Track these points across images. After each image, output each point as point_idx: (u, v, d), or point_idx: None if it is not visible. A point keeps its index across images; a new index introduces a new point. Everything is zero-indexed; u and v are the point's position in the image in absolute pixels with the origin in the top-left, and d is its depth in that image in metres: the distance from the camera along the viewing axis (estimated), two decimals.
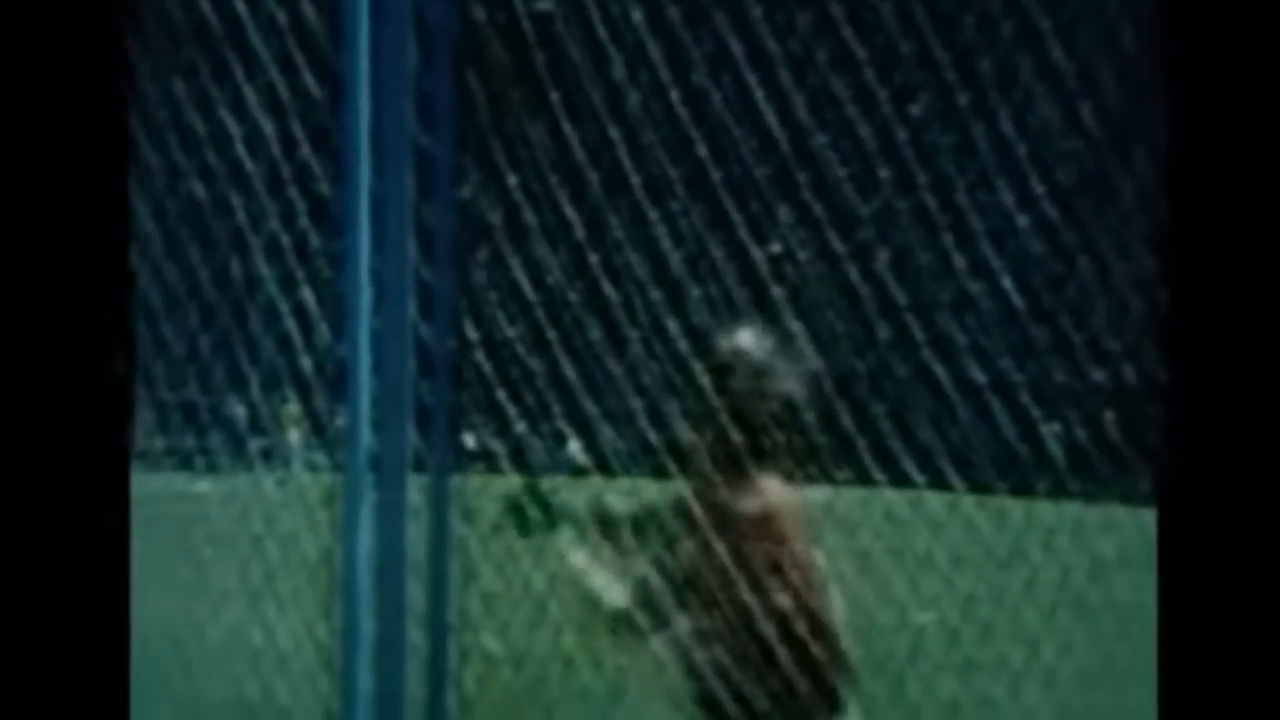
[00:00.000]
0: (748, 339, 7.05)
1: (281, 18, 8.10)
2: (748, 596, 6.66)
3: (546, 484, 10.27)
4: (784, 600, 6.72)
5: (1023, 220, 16.06)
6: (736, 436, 6.82)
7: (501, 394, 8.02)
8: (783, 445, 6.95)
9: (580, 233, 10.38)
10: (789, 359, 7.05)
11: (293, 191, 8.51)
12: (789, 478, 6.99)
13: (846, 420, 9.45)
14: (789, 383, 7.02)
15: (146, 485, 18.93)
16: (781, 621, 6.69)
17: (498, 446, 9.63)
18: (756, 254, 14.22)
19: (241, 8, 8.56)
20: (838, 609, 6.85)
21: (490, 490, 7.04)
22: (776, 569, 6.75)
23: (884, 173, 14.95)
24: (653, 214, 11.85)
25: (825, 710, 6.79)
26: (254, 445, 17.84)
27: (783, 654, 6.63)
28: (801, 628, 6.70)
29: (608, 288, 11.37)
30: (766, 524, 6.84)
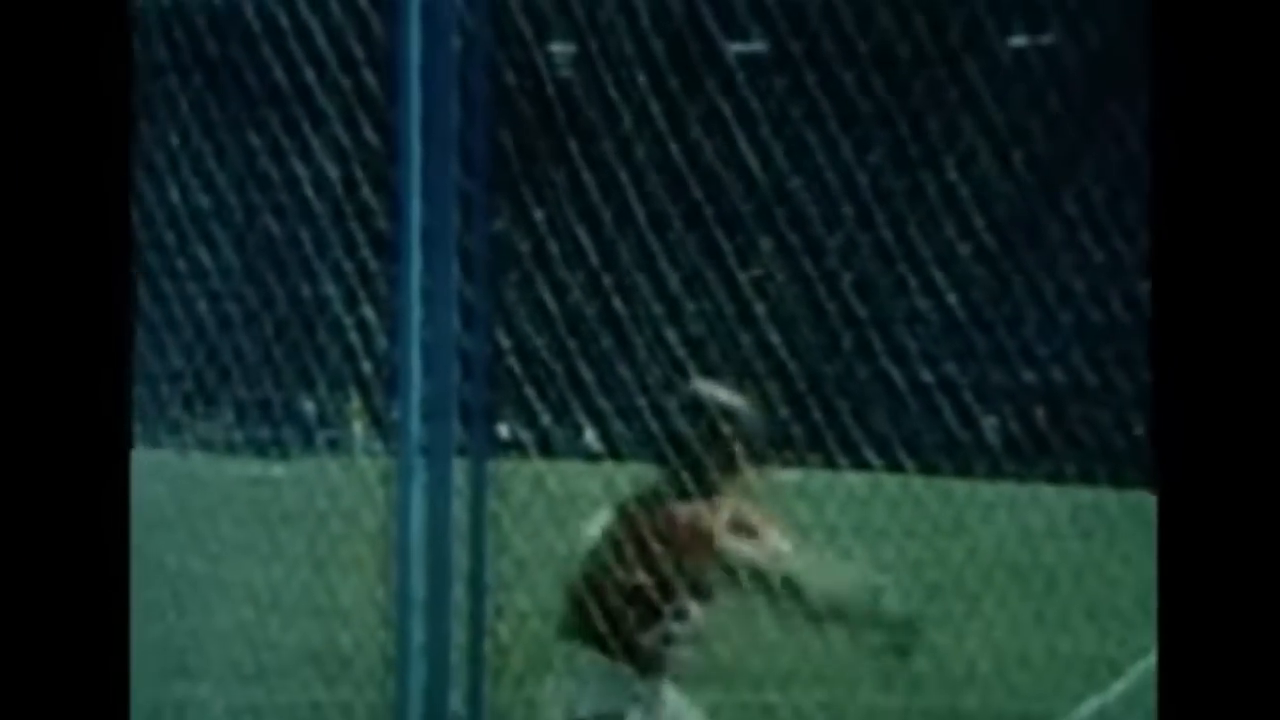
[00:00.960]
0: (709, 388, 7.04)
1: (345, 82, 8.13)
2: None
3: (565, 468, 10.29)
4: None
5: (964, 248, 16.11)
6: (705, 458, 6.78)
7: (530, 393, 8.04)
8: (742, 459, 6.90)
9: (595, 258, 10.38)
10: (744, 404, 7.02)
11: (355, 225, 8.54)
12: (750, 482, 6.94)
13: (816, 414, 9.46)
14: (744, 419, 6.97)
15: (230, 470, 18.93)
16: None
17: (527, 437, 9.66)
18: (742, 276, 14.28)
19: (310, 74, 8.58)
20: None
21: (520, 473, 7.04)
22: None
23: (848, 210, 14.97)
24: (655, 243, 11.88)
25: None
26: (322, 436, 17.85)
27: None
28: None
29: (618, 304, 11.40)
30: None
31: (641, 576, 6.63)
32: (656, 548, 6.62)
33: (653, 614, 6.68)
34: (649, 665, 6.77)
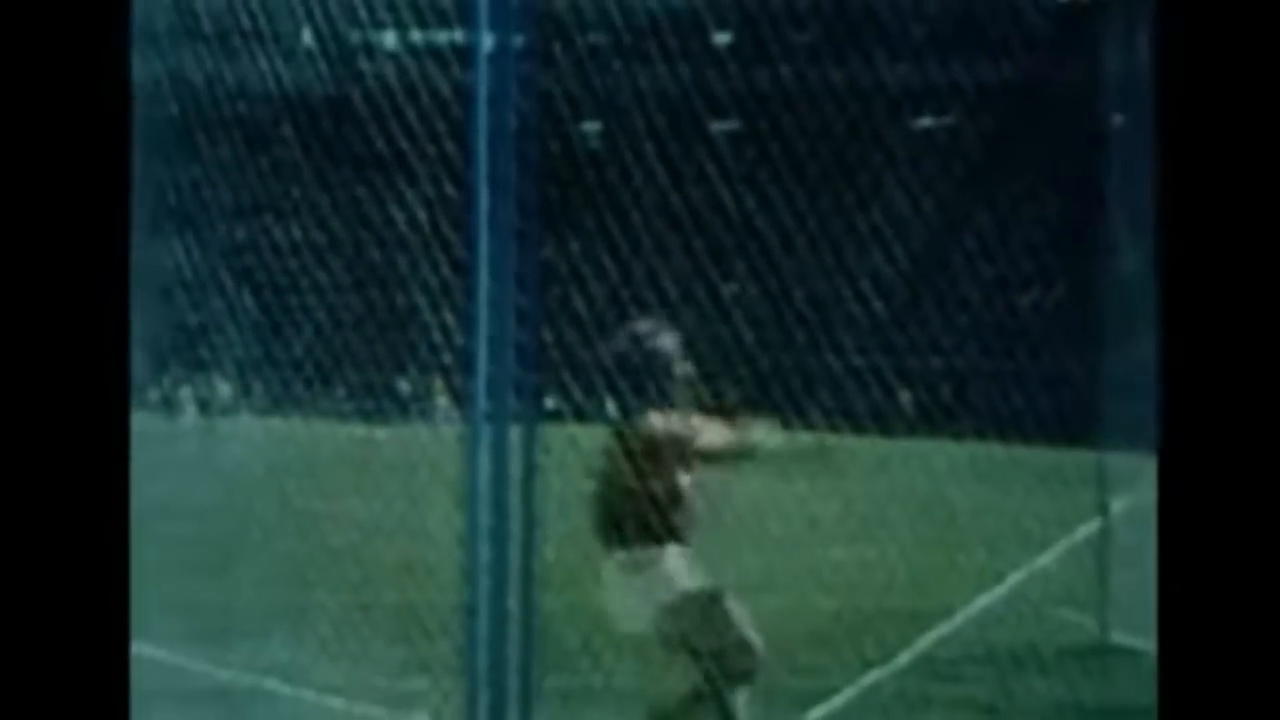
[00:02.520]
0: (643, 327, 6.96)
1: (430, 150, 8.16)
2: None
3: (592, 430, 10.32)
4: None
5: (887, 270, 16.17)
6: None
7: (566, 375, 8.08)
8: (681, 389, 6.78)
9: (614, 276, 10.42)
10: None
11: (439, 253, 8.58)
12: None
13: (776, 390, 9.50)
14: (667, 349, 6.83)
15: (344, 433, 18.85)
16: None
17: (564, 407, 9.70)
18: (723, 290, 14.34)
19: (405, 144, 8.60)
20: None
21: (559, 434, 7.07)
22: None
23: (801, 241, 15.03)
24: (659, 265, 11.93)
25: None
26: (414, 407, 17.84)
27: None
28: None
29: (632, 310, 11.45)
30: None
31: (641, 477, 6.51)
32: (657, 451, 6.53)
33: (656, 500, 6.51)
34: (658, 537, 6.57)
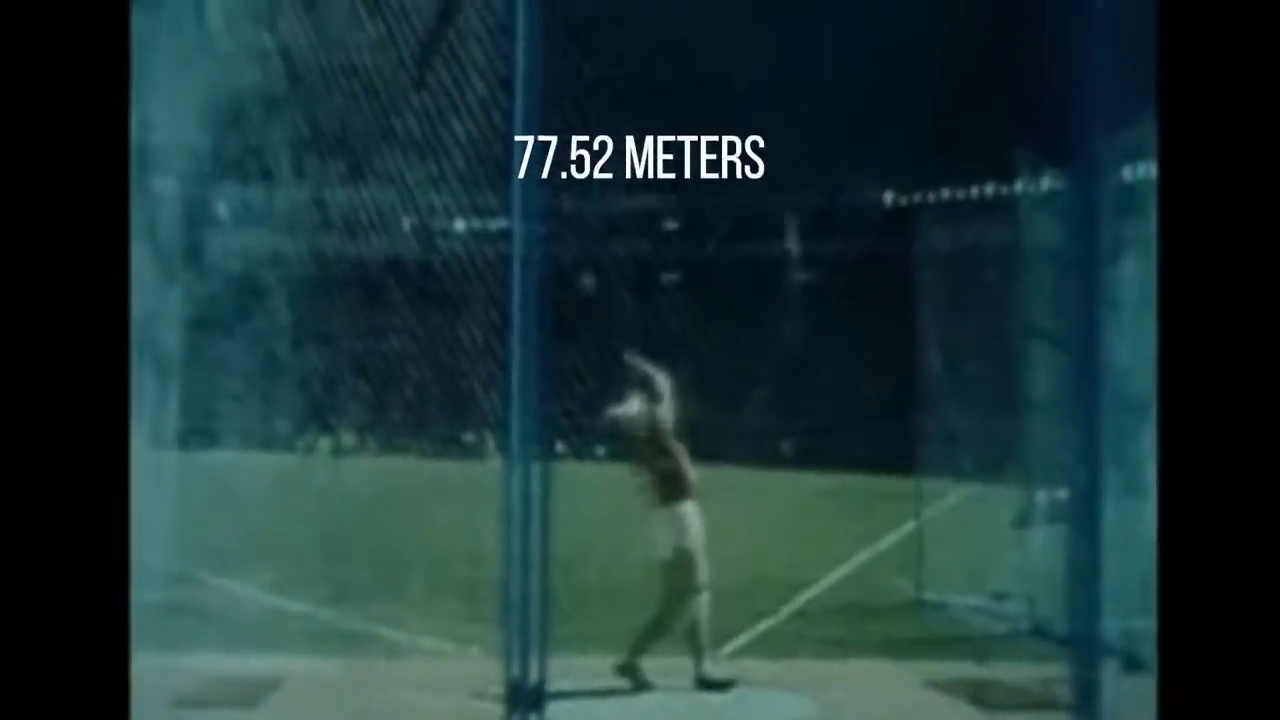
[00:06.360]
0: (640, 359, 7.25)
1: (483, 293, 8.14)
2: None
3: (588, 466, 10.22)
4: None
5: (776, 366, 16.26)
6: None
7: (569, 429, 8.03)
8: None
9: (600, 370, 10.39)
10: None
11: (489, 356, 8.54)
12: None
13: (703, 441, 9.42)
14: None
15: (426, 467, 18.57)
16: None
17: (567, 450, 9.64)
18: (669, 378, 14.29)
19: (467, 289, 8.61)
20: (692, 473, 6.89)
21: (566, 468, 6.98)
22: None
23: (720, 348, 14.97)
24: (631, 353, 11.90)
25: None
26: (473, 451, 17.76)
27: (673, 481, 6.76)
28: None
29: (612, 387, 11.41)
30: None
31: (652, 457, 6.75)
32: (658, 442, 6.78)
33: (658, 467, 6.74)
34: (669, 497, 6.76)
